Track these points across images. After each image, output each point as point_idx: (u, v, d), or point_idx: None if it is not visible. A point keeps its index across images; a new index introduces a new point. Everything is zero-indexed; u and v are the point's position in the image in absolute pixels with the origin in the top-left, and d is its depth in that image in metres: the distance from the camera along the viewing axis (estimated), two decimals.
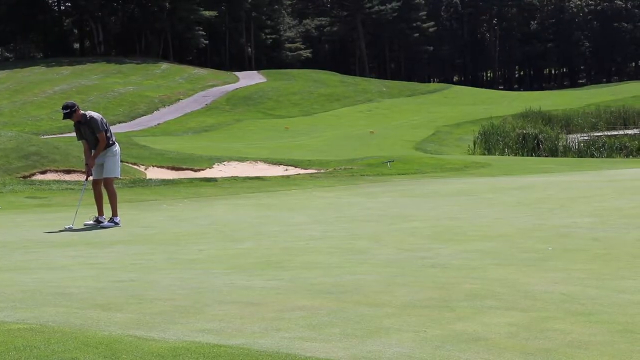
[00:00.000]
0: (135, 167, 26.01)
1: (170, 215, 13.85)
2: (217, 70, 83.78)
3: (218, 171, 26.51)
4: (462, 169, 24.52)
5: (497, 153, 37.70)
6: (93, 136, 12.66)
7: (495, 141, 39.84)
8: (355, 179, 21.85)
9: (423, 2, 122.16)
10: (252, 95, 65.28)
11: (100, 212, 12.75)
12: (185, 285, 6.62)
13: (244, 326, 4.99)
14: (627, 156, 34.49)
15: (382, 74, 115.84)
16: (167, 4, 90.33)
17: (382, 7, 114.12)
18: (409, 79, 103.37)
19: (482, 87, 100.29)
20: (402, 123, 52.20)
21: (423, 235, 9.97)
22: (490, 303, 5.69)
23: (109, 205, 12.68)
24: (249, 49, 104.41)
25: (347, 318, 5.21)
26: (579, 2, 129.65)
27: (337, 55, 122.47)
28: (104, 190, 12.83)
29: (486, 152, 38.58)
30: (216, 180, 21.29)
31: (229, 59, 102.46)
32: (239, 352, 4.33)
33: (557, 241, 8.99)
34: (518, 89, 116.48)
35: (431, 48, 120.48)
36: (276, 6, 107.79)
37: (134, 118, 56.35)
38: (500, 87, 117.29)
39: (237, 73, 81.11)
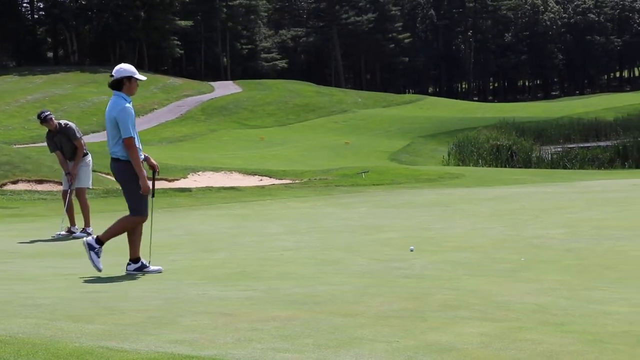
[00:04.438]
0: (108, 177, 25.85)
1: (143, 225, 13.75)
2: (192, 80, 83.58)
3: (192, 181, 26.42)
4: (437, 180, 24.61)
5: (471, 164, 37.88)
6: (69, 144, 12.59)
7: (469, 152, 40.02)
8: (330, 189, 21.86)
9: (399, 13, 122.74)
10: (227, 105, 65.20)
11: (72, 223, 12.67)
12: (158, 296, 6.59)
13: (217, 337, 4.97)
14: (599, 168, 34.77)
15: (357, 85, 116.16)
16: (142, 13, 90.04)
17: (358, 18, 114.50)
18: (384, 90, 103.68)
19: (457, 99, 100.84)
20: (377, 134, 52.34)
21: (397, 245, 9.99)
22: (463, 313, 5.71)
23: (82, 215, 12.61)
24: (225, 59, 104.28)
25: (321, 329, 5.21)
26: (552, 15, 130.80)
27: (313, 65, 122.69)
28: (75, 200, 12.75)
29: (460, 163, 38.76)
30: (190, 191, 21.22)
31: (204, 69, 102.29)
32: None
33: (529, 252, 9.05)
34: (492, 101, 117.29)
35: (406, 59, 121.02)
36: (252, 16, 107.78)
37: None
38: (474, 99, 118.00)
39: (212, 83, 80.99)
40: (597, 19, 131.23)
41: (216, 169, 28.95)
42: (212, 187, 22.39)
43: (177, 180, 26.70)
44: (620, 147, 37.23)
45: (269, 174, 27.60)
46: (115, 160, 8.22)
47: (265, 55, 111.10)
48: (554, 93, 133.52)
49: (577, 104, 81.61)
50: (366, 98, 76.06)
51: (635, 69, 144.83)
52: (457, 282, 7.26)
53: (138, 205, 8.22)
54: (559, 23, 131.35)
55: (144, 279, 7.89)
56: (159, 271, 8.26)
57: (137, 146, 8.13)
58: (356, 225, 12.75)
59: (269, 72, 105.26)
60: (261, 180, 26.49)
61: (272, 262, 8.86)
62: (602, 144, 45.59)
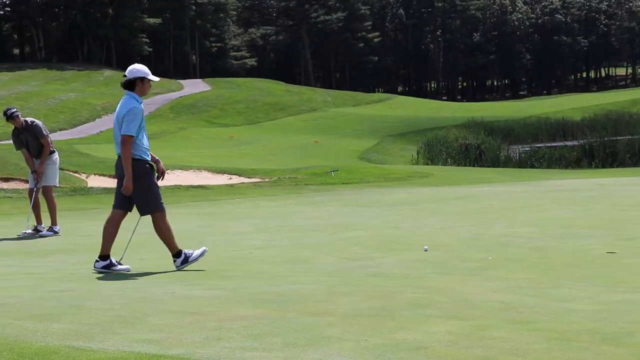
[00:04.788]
0: (76, 175, 25.64)
1: (122, 224, 13.66)
2: (161, 78, 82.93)
3: (161, 180, 26.26)
4: (406, 179, 24.69)
5: (440, 163, 38.03)
6: (36, 142, 12.46)
7: (438, 151, 40.18)
8: (299, 188, 21.85)
9: (368, 12, 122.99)
10: (196, 104, 64.93)
11: (39, 221, 12.55)
12: (125, 295, 6.55)
13: (185, 336, 4.95)
14: (566, 167, 35.07)
15: (327, 84, 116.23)
16: (110, 11, 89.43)
17: (328, 17, 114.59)
18: (353, 89, 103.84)
19: (426, 98, 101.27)
20: (347, 133, 52.40)
21: (366, 244, 10.01)
22: (431, 312, 5.74)
23: (48, 214, 12.49)
24: (194, 57, 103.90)
25: (289, 327, 5.21)
26: (520, 16, 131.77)
27: (283, 64, 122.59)
28: (42, 198, 12.63)
29: (429, 162, 38.89)
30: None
31: (173, 67, 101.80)
32: None
33: (497, 250, 9.11)
34: (461, 100, 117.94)
35: (376, 58, 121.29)
36: (221, 14, 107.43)
37: (75, 125, 55.57)
38: (443, 98, 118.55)
39: (181, 81, 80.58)
40: (564, 19, 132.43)
41: (185, 168, 28.82)
42: (180, 185, 22.28)
43: None
44: (587, 147, 37.59)
45: (238, 173, 27.52)
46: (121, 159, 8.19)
47: (235, 53, 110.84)
48: (522, 93, 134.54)
49: (544, 103, 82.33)
50: (336, 97, 76.13)
51: (602, 70, 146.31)
52: (425, 280, 7.29)
53: (152, 200, 8.27)
54: (527, 23, 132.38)
55: (110, 277, 7.83)
56: (127, 270, 8.20)
57: (145, 146, 8.18)
58: (325, 224, 12.75)
59: (238, 71, 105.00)
60: (230, 178, 26.41)
61: (240, 260, 8.84)
62: (569, 143, 45.98)
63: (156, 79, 8.41)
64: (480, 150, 39.23)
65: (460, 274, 7.63)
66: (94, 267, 8.20)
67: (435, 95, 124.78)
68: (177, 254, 8.30)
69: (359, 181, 23.95)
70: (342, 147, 43.81)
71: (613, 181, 21.00)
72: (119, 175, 8.28)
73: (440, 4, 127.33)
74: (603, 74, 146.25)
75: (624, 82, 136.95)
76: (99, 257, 8.23)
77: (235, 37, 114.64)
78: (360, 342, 4.84)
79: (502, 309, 5.89)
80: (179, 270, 8.24)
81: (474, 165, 36.62)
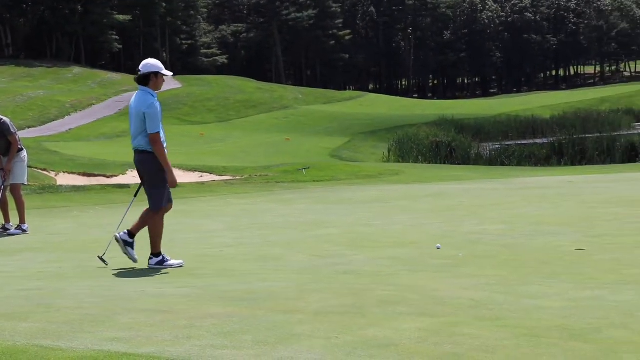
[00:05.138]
0: (45, 173, 25.46)
1: (80, 222, 13.59)
2: (131, 75, 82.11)
3: (131, 177, 26.12)
4: (377, 177, 24.74)
5: (411, 160, 38.15)
6: (3, 140, 12.34)
7: (409, 149, 40.29)
8: (270, 185, 21.83)
9: (339, 10, 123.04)
10: (166, 101, 64.57)
11: (7, 220, 12.43)
12: (94, 294, 6.50)
13: (155, 334, 4.92)
14: (536, 164, 35.31)
15: (298, 81, 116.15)
16: (79, 7, 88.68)
17: (299, 15, 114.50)
18: (325, 87, 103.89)
19: (397, 96, 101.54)
20: (318, 130, 52.42)
21: (337, 242, 10.02)
22: (402, 309, 5.76)
23: (17, 212, 12.37)
24: (164, 54, 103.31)
25: (259, 325, 5.20)
26: (490, 14, 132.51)
27: (254, 61, 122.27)
28: (10, 196, 12.51)
29: (400, 160, 39.01)
30: (129, 187, 20.97)
31: None
32: None
33: (467, 248, 9.15)
34: (432, 98, 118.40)
35: (347, 56, 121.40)
36: (192, 12, 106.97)
37: (44, 123, 55.10)
38: (414, 96, 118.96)
39: None
40: (533, 18, 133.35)
41: None
42: None
43: (116, 176, 26.41)
44: (556, 145, 37.89)
45: (209, 170, 27.45)
46: (140, 153, 8.29)
47: (206, 50, 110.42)
48: (492, 91, 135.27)
49: (514, 101, 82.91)
50: (307, 94, 76.13)
51: (571, 68, 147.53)
52: (395, 278, 7.31)
53: (157, 197, 8.32)
54: (497, 22, 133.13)
55: (80, 276, 7.77)
56: (180, 265, 8.29)
57: (163, 141, 8.24)
58: (296, 221, 12.75)
59: (209, 68, 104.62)
60: (201, 176, 26.34)
61: (211, 258, 8.82)
62: (538, 141, 46.33)
63: (170, 73, 8.49)
64: (450, 148, 39.40)
65: (431, 271, 7.66)
66: (149, 264, 8.30)
67: (406, 93, 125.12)
68: (157, 254, 8.34)
69: (330, 179, 23.97)
70: (313, 144, 43.82)
71: (582, 179, 21.19)
72: (139, 170, 8.45)
73: (411, 2, 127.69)
74: (572, 72, 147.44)
75: (592, 81, 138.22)
76: (152, 255, 8.36)
77: (206, 35, 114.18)
78: (331, 339, 4.84)
79: (472, 306, 5.92)
80: (150, 268, 8.22)
81: (444, 163, 36.77)
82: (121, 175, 26.47)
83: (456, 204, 14.70)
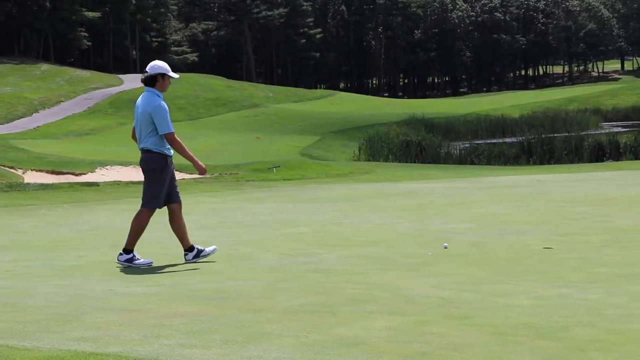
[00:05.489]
0: (12, 170, 25.19)
1: (48, 220, 13.47)
2: (100, 73, 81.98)
3: (101, 175, 25.96)
4: (347, 175, 24.77)
5: (381, 159, 38.20)
6: None
7: (379, 148, 40.35)
8: (240, 184, 21.78)
9: (310, 8, 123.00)
10: (136, 99, 63.83)
11: None
12: (62, 293, 6.45)
13: (123, 333, 4.89)
14: (505, 163, 35.50)
15: (269, 80, 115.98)
16: (47, 3, 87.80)
17: (270, 13, 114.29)
18: (295, 85, 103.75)
19: (367, 94, 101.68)
20: (288, 129, 52.38)
21: (307, 240, 10.02)
22: (371, 308, 5.77)
23: None
24: (134, 52, 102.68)
25: (228, 324, 5.19)
26: (460, 14, 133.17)
27: (224, 59, 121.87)
28: None
29: (371, 159, 39.06)
30: (98, 185, 20.84)
31: (112, 61, 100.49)
32: None
33: (436, 246, 9.19)
34: (402, 97, 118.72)
35: (318, 54, 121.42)
36: (162, 9, 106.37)
37: (11, 120, 54.50)
38: (385, 95, 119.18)
39: (121, 76, 79.59)
40: (503, 18, 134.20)
41: (125, 163, 28.50)
42: (120, 181, 22.04)
43: (85, 174, 26.19)
44: (525, 144, 38.12)
45: (179, 169, 27.18)
46: (146, 152, 8.38)
47: (176, 48, 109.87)
48: (462, 90, 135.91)
49: (484, 101, 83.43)
50: (277, 93, 76.03)
51: (539, 68, 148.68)
52: (365, 276, 7.32)
53: (153, 196, 8.44)
54: (467, 21, 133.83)
55: (48, 275, 7.70)
56: (149, 265, 8.25)
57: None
58: (266, 220, 12.73)
59: (179, 66, 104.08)
60: None
61: (180, 257, 8.77)
62: (508, 140, 46.63)
63: (176, 75, 8.66)
64: (421, 147, 39.50)
65: (400, 270, 7.68)
66: (185, 259, 8.41)
67: (376, 91, 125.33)
68: (128, 250, 8.33)
69: (300, 177, 23.96)
70: (283, 143, 43.77)
71: (550, 177, 21.36)
72: (146, 170, 8.50)
73: (381, 1, 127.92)
74: (541, 72, 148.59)
75: (560, 80, 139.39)
76: (185, 251, 8.46)
77: (176, 32, 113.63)
78: (300, 338, 4.84)
79: (441, 304, 5.95)
80: (118, 263, 8.24)
81: (414, 162, 36.87)
82: (90, 174, 26.26)
83: (426, 203, 14.76)
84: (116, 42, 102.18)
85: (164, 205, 8.58)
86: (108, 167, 27.74)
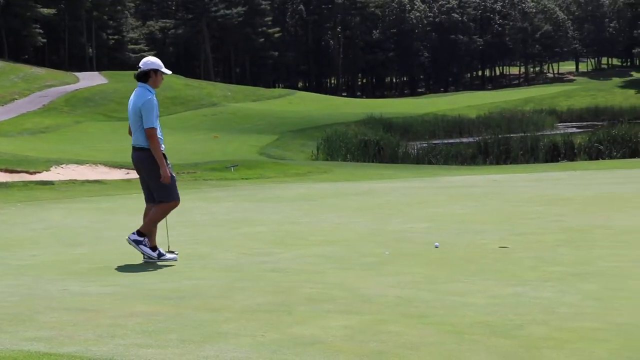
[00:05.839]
0: None
1: (1, 219, 13.28)
2: (55, 70, 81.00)
3: (56, 174, 25.63)
4: (305, 174, 24.79)
5: (339, 159, 38.30)
6: None
7: (337, 147, 40.45)
8: (198, 183, 21.68)
9: (268, 7, 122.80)
10: (93, 97, 63.60)
11: None
12: (15, 292, 6.37)
13: (77, 333, 4.84)
14: (462, 163, 35.80)
15: (227, 78, 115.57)
16: (1, 0, 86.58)
17: (228, 12, 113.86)
18: (254, 84, 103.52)
19: (326, 94, 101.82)
20: (247, 128, 52.25)
21: (265, 240, 10.00)
22: (328, 307, 5.78)
23: None
24: (90, 49, 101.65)
25: (185, 324, 5.16)
26: (418, 14, 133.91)
27: (182, 58, 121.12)
28: None
29: (329, 158, 39.13)
30: (53, 184, 20.60)
31: (68, 59, 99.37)
32: None
33: (394, 246, 9.23)
34: (361, 96, 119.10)
35: (276, 54, 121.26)
36: (118, 7, 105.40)
37: None
38: (343, 94, 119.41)
39: (77, 73, 78.75)
40: (460, 18, 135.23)
41: (81, 162, 28.20)
42: (76, 180, 21.81)
43: (39, 173, 25.84)
44: (482, 144, 38.47)
45: (130, 167, 27.09)
46: (138, 150, 8.43)
47: (133, 46, 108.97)
48: (420, 90, 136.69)
49: (441, 101, 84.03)
50: (236, 92, 75.80)
51: (496, 69, 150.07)
52: (322, 275, 7.33)
53: (167, 190, 8.48)
54: (425, 22, 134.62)
55: (1, 274, 7.59)
56: (173, 259, 8.39)
57: (159, 136, 8.38)
58: (224, 219, 12.68)
59: (136, 64, 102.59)
60: (128, 173, 25.97)
61: (137, 256, 8.70)
62: (465, 140, 47.04)
63: (169, 72, 8.70)
64: (379, 147, 39.67)
65: (358, 269, 7.70)
66: (129, 237, 8.46)
67: (335, 91, 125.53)
68: (142, 233, 8.44)
69: (258, 176, 23.92)
70: (241, 142, 43.66)
71: (506, 177, 21.57)
72: (137, 167, 8.56)
73: (340, 1, 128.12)
74: (498, 73, 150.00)
75: (517, 81, 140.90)
76: (137, 231, 8.47)
77: (133, 30, 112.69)
78: (257, 337, 4.83)
79: (398, 303, 5.98)
80: (129, 240, 8.39)
81: (372, 161, 37.03)
82: (45, 172, 25.92)
83: (384, 202, 14.81)
84: (72, 39, 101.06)
85: (151, 200, 8.66)
86: (63, 165, 27.41)
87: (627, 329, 5.19)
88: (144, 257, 8.41)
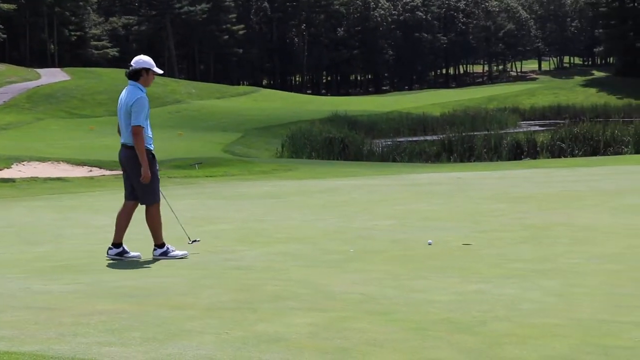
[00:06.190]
0: None
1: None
2: (16, 66, 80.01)
3: (17, 172, 25.35)
4: (270, 172, 24.76)
5: (304, 156, 38.28)
6: None
7: (302, 145, 40.43)
8: (162, 181, 21.41)
9: (232, 4, 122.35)
10: (55, 94, 62.95)
11: None
12: None
13: (39, 332, 4.80)
14: (427, 161, 35.96)
15: (191, 75, 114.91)
16: None
17: (192, 8, 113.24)
18: (218, 81, 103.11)
19: (290, 91, 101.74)
20: (211, 125, 52.06)
21: (229, 237, 9.98)
22: (292, 304, 5.78)
23: None
24: (52, 46, 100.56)
25: (149, 321, 5.14)
26: (383, 12, 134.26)
27: (146, 54, 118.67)
28: None
29: (294, 156, 39.10)
30: (14, 181, 20.37)
31: (29, 55, 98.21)
32: None
33: (358, 243, 9.25)
34: (325, 94, 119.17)
35: (241, 51, 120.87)
36: (81, 2, 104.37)
37: None
38: (308, 92, 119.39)
39: (38, 70, 77.85)
40: (424, 17, 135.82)
41: (43, 159, 27.92)
42: (37, 177, 21.58)
43: (0, 170, 25.55)
44: (446, 142, 38.66)
45: (99, 165, 26.89)
46: (128, 148, 8.38)
47: (96, 42, 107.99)
48: (384, 88, 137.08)
49: (406, 99, 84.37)
50: (200, 89, 75.46)
51: (460, 67, 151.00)
52: (286, 273, 7.33)
53: (151, 191, 8.47)
54: (389, 20, 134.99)
55: None
56: (184, 256, 8.42)
57: (149, 135, 8.40)
58: (188, 217, 12.61)
59: (99, 61, 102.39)
60: (91, 171, 25.78)
61: (100, 254, 8.64)
62: (429, 138, 47.26)
63: (160, 71, 8.67)
64: (343, 144, 39.71)
65: (322, 267, 7.71)
66: (107, 254, 8.36)
67: (299, 88, 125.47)
68: (160, 245, 8.48)
69: (223, 174, 23.85)
70: (206, 140, 43.49)
71: (470, 175, 21.72)
72: (124, 165, 8.51)
73: None
74: (461, 71, 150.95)
75: (480, 80, 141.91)
76: (112, 245, 8.41)
77: (96, 26, 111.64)
78: (221, 335, 4.83)
79: (362, 300, 6.00)
80: (155, 258, 8.34)
81: (337, 159, 37.06)
82: (6, 169, 25.63)
83: (348, 200, 14.85)
84: (33, 35, 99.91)
85: (132, 197, 8.61)
86: (25, 163, 27.12)
87: (587, 325, 5.26)
88: (109, 252, 8.40)
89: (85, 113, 58.40)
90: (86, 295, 6.09)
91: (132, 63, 8.46)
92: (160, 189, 8.65)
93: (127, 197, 8.65)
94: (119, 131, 8.56)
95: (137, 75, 8.42)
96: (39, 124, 51.76)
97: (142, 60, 8.51)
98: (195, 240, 8.80)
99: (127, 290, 6.30)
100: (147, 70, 8.44)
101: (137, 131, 8.24)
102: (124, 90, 8.52)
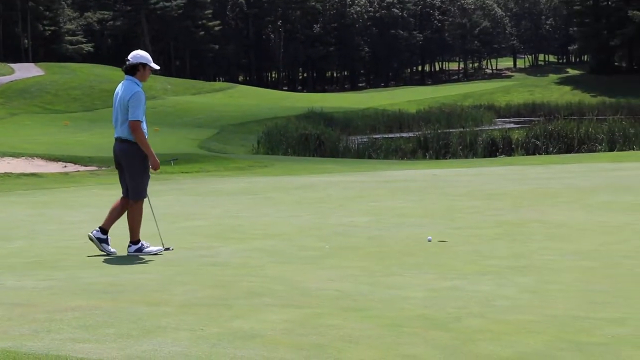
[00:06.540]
0: None
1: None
2: None
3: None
4: (246, 168, 24.71)
5: (280, 153, 38.27)
6: None
7: (278, 141, 40.41)
8: None
9: (208, 0, 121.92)
10: (29, 89, 62.47)
11: None
12: None
13: (12, 328, 4.76)
14: (402, 158, 36.05)
15: (167, 71, 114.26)
16: None
17: (167, 4, 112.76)
18: (194, 77, 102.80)
19: (266, 88, 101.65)
20: (187, 121, 51.88)
21: (204, 234, 9.96)
22: (268, 300, 5.78)
23: None
24: (25, 40, 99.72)
25: (123, 318, 5.11)
26: (359, 9, 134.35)
27: (121, 50, 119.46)
28: None
29: (269, 152, 39.06)
30: None
31: (3, 50, 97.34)
32: (5, 356, 4.13)
33: (334, 240, 9.26)
34: (301, 90, 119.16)
35: (217, 47, 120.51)
36: None
37: None
38: (284, 88, 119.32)
39: (11, 65, 77.16)
40: (400, 14, 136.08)
41: (16, 155, 27.69)
42: (11, 173, 21.41)
43: None
44: (422, 139, 38.80)
45: (74, 160, 26.71)
46: (122, 142, 8.44)
47: (70, 37, 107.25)
48: (360, 85, 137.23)
49: (382, 96, 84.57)
50: (176, 85, 75.16)
51: (436, 64, 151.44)
52: (262, 269, 7.33)
53: (139, 186, 8.53)
54: (365, 17, 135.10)
55: None
56: (159, 251, 8.44)
57: (145, 131, 8.43)
58: (163, 213, 12.55)
59: (73, 56, 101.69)
60: (65, 166, 25.59)
61: (74, 250, 8.59)
62: (405, 135, 47.40)
63: (157, 67, 8.68)
64: (319, 141, 39.72)
65: (297, 263, 7.72)
66: (128, 252, 8.41)
67: (276, 85, 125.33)
68: (135, 241, 8.49)
69: (198, 170, 23.78)
70: (181, 136, 43.34)
71: (445, 172, 21.80)
72: (118, 158, 8.56)
73: None
74: (437, 68, 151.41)
75: (456, 77, 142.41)
76: (99, 228, 8.44)
77: (71, 21, 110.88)
78: (196, 331, 4.81)
79: (337, 297, 6.01)
80: (129, 255, 8.33)
81: (313, 156, 37.06)
82: None
83: (324, 197, 14.85)
84: (6, 29, 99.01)
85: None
86: None
87: (561, 321, 5.30)
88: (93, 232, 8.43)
89: (60, 108, 58.01)
90: (60, 291, 6.06)
91: (129, 58, 8.49)
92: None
93: (125, 194, 8.71)
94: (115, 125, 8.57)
95: (134, 70, 8.45)
96: (12, 119, 51.34)
97: (140, 55, 8.54)
98: (168, 248, 8.74)
99: (102, 287, 6.27)
100: (144, 65, 8.48)
101: (136, 125, 8.29)
102: (120, 85, 8.55)
